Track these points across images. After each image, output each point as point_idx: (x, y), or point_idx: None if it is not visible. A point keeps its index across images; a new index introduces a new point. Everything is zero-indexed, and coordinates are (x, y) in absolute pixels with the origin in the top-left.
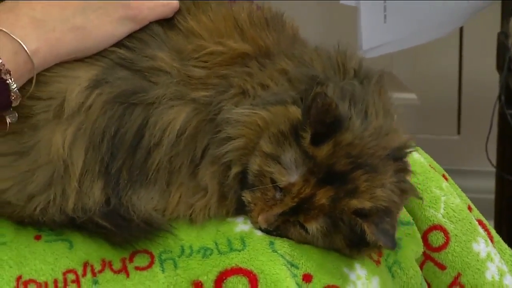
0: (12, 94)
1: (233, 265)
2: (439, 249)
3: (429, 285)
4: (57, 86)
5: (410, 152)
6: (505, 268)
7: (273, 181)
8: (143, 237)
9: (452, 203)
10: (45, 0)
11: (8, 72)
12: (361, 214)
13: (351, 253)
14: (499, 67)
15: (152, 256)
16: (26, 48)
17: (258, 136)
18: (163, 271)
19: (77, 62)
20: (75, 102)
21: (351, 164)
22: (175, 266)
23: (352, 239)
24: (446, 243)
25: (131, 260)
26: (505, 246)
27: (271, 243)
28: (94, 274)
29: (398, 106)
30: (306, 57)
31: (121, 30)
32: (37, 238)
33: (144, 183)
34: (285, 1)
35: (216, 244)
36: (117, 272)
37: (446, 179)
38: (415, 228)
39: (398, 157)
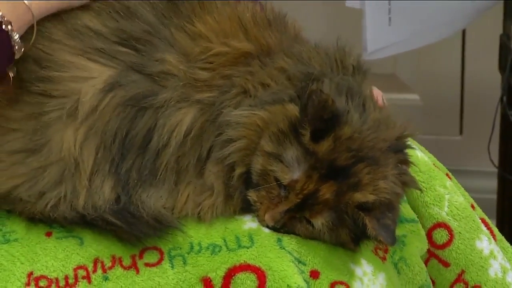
0: (15, 44)
1: (242, 261)
2: (443, 246)
3: (433, 282)
4: (71, 85)
5: (410, 145)
6: (508, 265)
7: (276, 179)
8: (153, 234)
9: (456, 201)
10: None
11: (9, 23)
12: (364, 208)
13: (356, 247)
14: (501, 69)
15: (161, 253)
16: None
17: (258, 136)
18: (172, 267)
19: (91, 62)
20: (89, 104)
21: (352, 158)
22: (184, 262)
23: (356, 232)
24: (450, 241)
25: (141, 256)
26: (507, 244)
27: (279, 240)
28: (104, 270)
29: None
30: (304, 54)
31: None
32: (48, 234)
33: (153, 182)
34: (290, 3)
35: (224, 241)
36: (127, 268)
37: (449, 178)
38: (420, 225)
39: (398, 149)
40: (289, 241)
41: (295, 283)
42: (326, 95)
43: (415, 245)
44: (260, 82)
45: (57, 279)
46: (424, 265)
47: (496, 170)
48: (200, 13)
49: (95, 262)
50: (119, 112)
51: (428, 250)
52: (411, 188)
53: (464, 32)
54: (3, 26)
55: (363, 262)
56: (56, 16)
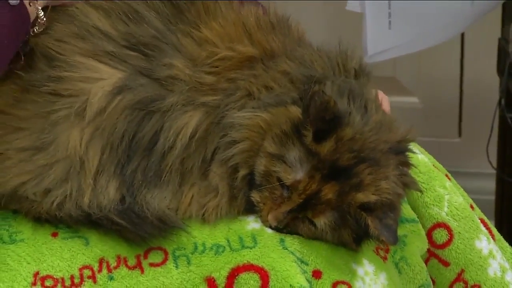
0: (40, 20)
1: (245, 261)
2: (443, 246)
3: (433, 281)
4: (81, 85)
5: (412, 149)
6: (507, 265)
7: (279, 180)
8: (157, 234)
9: (455, 202)
10: None
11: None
12: (367, 208)
13: (358, 247)
14: (500, 72)
15: (166, 253)
16: None
17: (261, 138)
18: (176, 267)
19: (101, 64)
20: (97, 105)
21: (354, 158)
22: (189, 262)
23: (358, 232)
24: (449, 240)
25: (145, 256)
26: (506, 244)
27: (282, 241)
28: (109, 270)
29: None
30: (307, 58)
31: None
32: (54, 235)
33: (158, 183)
34: (291, 7)
35: (228, 241)
36: (132, 268)
37: (449, 178)
38: (420, 225)
39: (399, 151)
40: (291, 242)
41: (298, 283)
42: (328, 96)
43: (416, 245)
44: (263, 85)
45: (63, 278)
46: (424, 264)
47: (494, 171)
48: (205, 19)
49: (101, 262)
50: (127, 115)
51: (428, 250)
52: (411, 189)
53: (463, 35)
54: (29, 5)
55: (365, 262)
56: (66, 16)
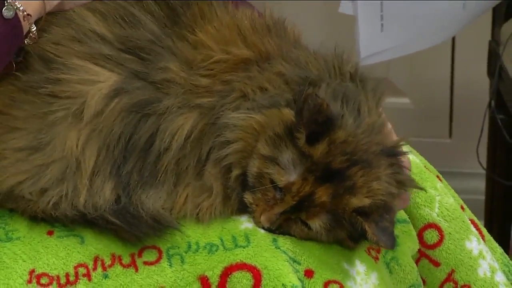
0: (32, 35)
1: (238, 260)
2: (434, 246)
3: (424, 281)
4: (78, 87)
5: (404, 152)
6: (496, 265)
7: (272, 181)
8: (152, 233)
9: (446, 203)
10: None
11: (29, 16)
12: (362, 212)
13: (355, 245)
14: (490, 74)
15: (160, 252)
16: None
17: (255, 139)
18: (170, 266)
19: (98, 67)
20: (94, 108)
21: (347, 161)
22: (182, 261)
23: (354, 234)
24: (440, 241)
25: (140, 255)
26: (496, 244)
27: (274, 240)
28: (104, 268)
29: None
30: (302, 59)
31: None
32: (50, 233)
33: (153, 183)
34: (287, 7)
35: (221, 240)
36: (127, 266)
37: (440, 180)
38: (411, 226)
39: (391, 154)
40: (284, 241)
41: (290, 282)
42: (321, 99)
43: (407, 245)
44: (258, 86)
45: (58, 276)
46: (415, 264)
47: (484, 172)
48: (201, 23)
49: (95, 260)
50: (123, 118)
51: (419, 250)
52: (409, 187)
53: (454, 38)
54: (23, 20)
55: (357, 262)
56: (64, 19)
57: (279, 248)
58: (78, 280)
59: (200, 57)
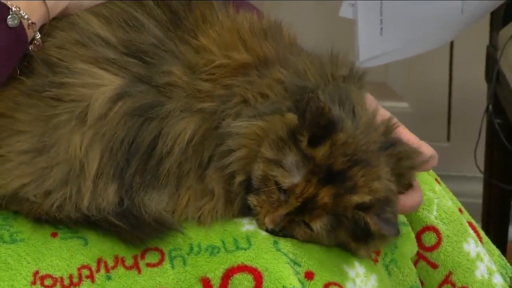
0: (36, 42)
1: (239, 262)
2: (432, 248)
3: (422, 282)
4: (82, 91)
5: (398, 140)
6: (494, 267)
7: (277, 183)
8: (154, 235)
9: (444, 206)
10: None
11: (33, 24)
12: (363, 207)
13: (357, 246)
14: (488, 78)
15: (162, 254)
16: None
17: (258, 145)
18: (172, 267)
19: (102, 70)
20: (98, 111)
21: (348, 162)
22: (184, 263)
23: (357, 232)
24: (438, 243)
25: (142, 257)
26: (493, 246)
27: (275, 242)
28: (107, 270)
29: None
30: (300, 67)
31: None
32: (54, 235)
33: (156, 186)
34: (283, 10)
35: (223, 242)
36: (129, 268)
37: (438, 182)
38: (410, 228)
39: (387, 146)
40: (285, 243)
41: (291, 284)
42: (323, 102)
43: (406, 247)
44: (259, 92)
45: (61, 278)
46: (413, 266)
47: (482, 175)
48: (203, 27)
49: (99, 262)
50: (126, 121)
51: (417, 252)
52: (408, 179)
53: (452, 43)
54: (28, 28)
55: (356, 264)
56: (68, 23)
57: (280, 250)
58: (82, 282)
59: (202, 62)
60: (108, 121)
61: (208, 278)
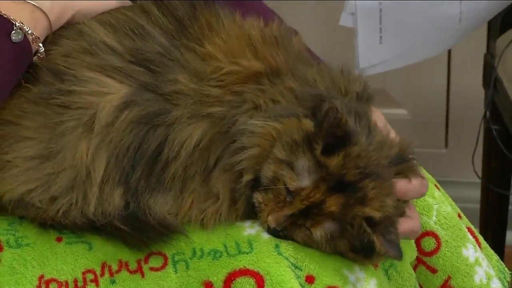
0: (40, 55)
1: (241, 266)
2: (431, 253)
3: (421, 287)
4: (90, 99)
5: (412, 158)
6: (492, 272)
7: (285, 184)
8: (158, 239)
9: (443, 211)
10: None
11: (38, 39)
12: (371, 223)
13: (355, 258)
14: (485, 85)
15: (165, 258)
16: (42, 7)
17: (271, 145)
18: (175, 271)
19: (109, 78)
20: (105, 119)
21: (359, 174)
22: (187, 267)
23: (357, 245)
24: (437, 248)
25: (146, 261)
26: (492, 252)
27: (277, 246)
28: (111, 274)
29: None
30: (310, 77)
31: None
32: (59, 240)
33: (161, 189)
34: (284, 14)
35: (225, 246)
36: (133, 272)
37: (438, 188)
38: None
39: (399, 161)
40: (286, 248)
41: (292, 287)
42: (341, 114)
43: (406, 252)
44: (271, 99)
45: (66, 282)
46: (413, 271)
47: (479, 181)
48: (208, 35)
49: (103, 266)
50: (132, 129)
51: (417, 257)
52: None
53: (450, 51)
54: (32, 43)
55: (356, 268)
56: (74, 32)
57: (281, 254)
58: (86, 286)
59: (210, 69)
60: (115, 129)
61: (210, 282)
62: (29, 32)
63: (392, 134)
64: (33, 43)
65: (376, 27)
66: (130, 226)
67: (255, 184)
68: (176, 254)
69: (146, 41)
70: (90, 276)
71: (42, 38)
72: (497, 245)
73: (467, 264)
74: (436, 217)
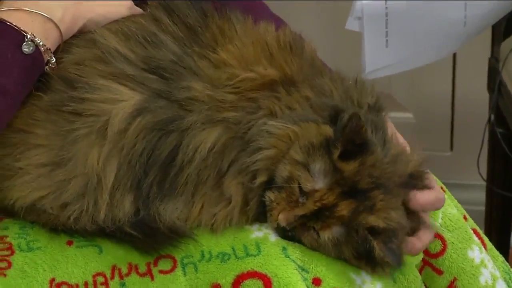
0: (51, 65)
1: (249, 269)
2: (437, 255)
3: None
4: (102, 106)
5: (423, 185)
6: (497, 273)
7: (300, 184)
8: (168, 243)
9: (449, 213)
10: None
11: (49, 50)
12: (374, 232)
13: (359, 264)
14: (490, 89)
15: (174, 261)
16: (53, 18)
17: (288, 147)
18: (184, 274)
19: (122, 86)
20: (117, 127)
21: (372, 183)
22: (196, 269)
23: (360, 251)
24: (443, 250)
25: (155, 264)
26: (497, 253)
27: (284, 249)
28: (121, 277)
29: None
30: (326, 88)
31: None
32: (69, 243)
33: (172, 195)
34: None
35: (233, 249)
36: (143, 275)
37: (444, 191)
38: None
39: (410, 186)
40: (293, 250)
41: None
42: (362, 122)
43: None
44: (287, 106)
45: (77, 285)
46: (418, 273)
47: (484, 183)
48: (221, 41)
49: (113, 269)
50: (145, 135)
51: (423, 259)
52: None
53: (454, 54)
54: (44, 54)
55: (362, 271)
56: (85, 41)
57: (288, 257)
58: None
59: (225, 76)
60: (128, 135)
61: (219, 284)
62: (41, 43)
63: (408, 149)
64: (44, 54)
65: (382, 31)
66: (140, 232)
67: (268, 186)
68: (185, 257)
69: (159, 49)
70: (100, 279)
71: (53, 49)
72: (502, 247)
73: (472, 266)
74: (442, 219)
